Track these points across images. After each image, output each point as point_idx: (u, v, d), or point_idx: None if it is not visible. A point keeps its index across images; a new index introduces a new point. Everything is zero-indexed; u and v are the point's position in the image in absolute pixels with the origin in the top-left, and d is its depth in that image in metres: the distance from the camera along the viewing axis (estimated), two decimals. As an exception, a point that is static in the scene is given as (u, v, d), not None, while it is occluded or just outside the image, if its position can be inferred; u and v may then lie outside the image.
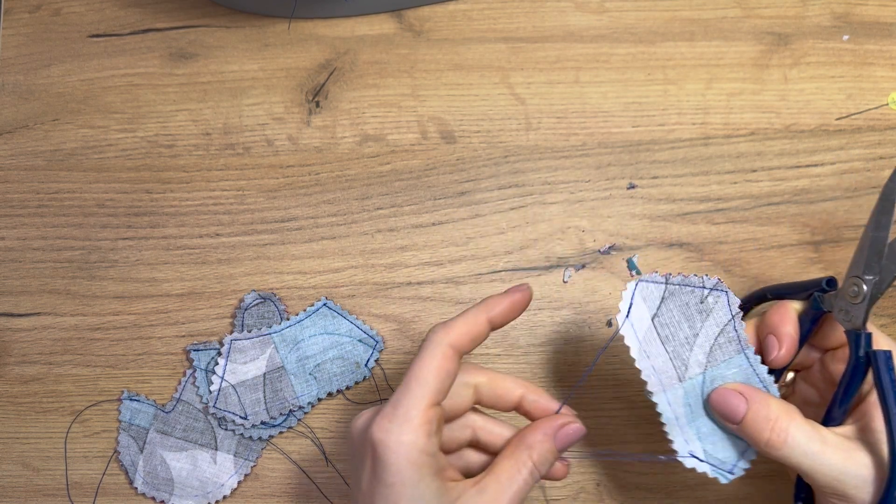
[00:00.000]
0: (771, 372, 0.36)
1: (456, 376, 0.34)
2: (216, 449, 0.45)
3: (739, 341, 0.36)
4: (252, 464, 0.45)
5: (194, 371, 0.45)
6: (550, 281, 0.47)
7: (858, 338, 0.34)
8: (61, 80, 0.51)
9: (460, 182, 0.48)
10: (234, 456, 0.45)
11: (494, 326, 0.35)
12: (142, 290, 0.47)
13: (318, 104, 0.50)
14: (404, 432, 0.31)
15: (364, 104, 0.50)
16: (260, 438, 0.45)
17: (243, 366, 0.45)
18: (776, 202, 0.48)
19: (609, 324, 0.46)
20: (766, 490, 0.44)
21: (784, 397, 0.38)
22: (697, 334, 0.36)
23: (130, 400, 0.46)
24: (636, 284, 0.37)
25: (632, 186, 0.48)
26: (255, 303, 0.46)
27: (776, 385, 0.36)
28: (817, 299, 0.36)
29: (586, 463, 0.45)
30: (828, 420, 0.35)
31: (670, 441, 0.36)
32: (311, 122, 0.50)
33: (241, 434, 0.45)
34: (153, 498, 0.45)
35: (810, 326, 0.37)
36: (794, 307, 0.37)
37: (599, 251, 0.47)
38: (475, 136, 0.49)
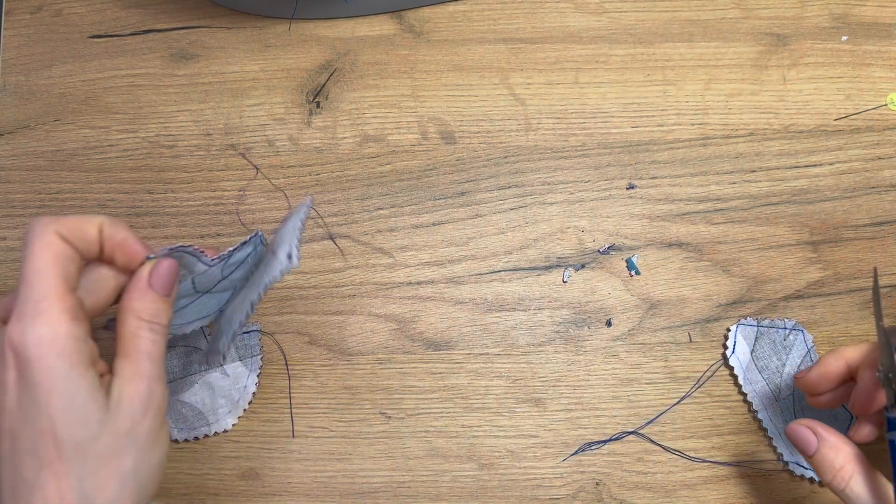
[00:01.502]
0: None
1: (79, 263, 0.32)
2: (221, 364, 0.46)
3: None
4: (259, 356, 0.46)
5: None
6: (550, 281, 0.47)
7: (889, 421, 0.36)
8: (62, 80, 0.51)
9: (460, 182, 0.49)
10: (241, 360, 0.46)
11: (104, 239, 0.32)
12: (143, 290, 0.47)
13: (318, 105, 0.50)
14: (41, 324, 0.29)
15: (364, 105, 0.50)
16: (253, 332, 0.46)
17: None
18: (775, 202, 0.48)
19: (609, 323, 0.46)
20: (766, 489, 0.44)
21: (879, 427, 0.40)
22: (784, 364, 0.45)
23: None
24: (737, 327, 0.46)
25: (631, 187, 0.48)
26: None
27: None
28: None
29: (586, 463, 0.45)
30: None
31: (775, 449, 0.44)
32: (312, 123, 0.50)
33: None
34: (195, 438, 0.45)
35: None
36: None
37: (599, 251, 0.48)
38: (475, 137, 0.49)
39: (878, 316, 0.37)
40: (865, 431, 0.39)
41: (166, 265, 0.33)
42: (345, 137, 0.49)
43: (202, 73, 0.51)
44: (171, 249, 0.35)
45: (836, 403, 0.40)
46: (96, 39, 0.52)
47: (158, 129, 0.50)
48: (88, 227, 0.32)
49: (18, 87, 0.51)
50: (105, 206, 0.49)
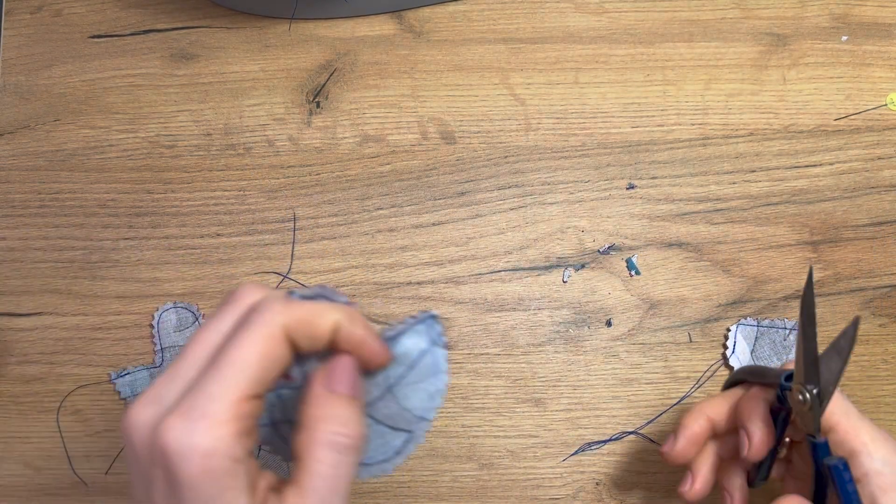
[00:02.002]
0: (756, 465, 0.37)
1: (284, 368, 0.26)
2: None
3: None
4: None
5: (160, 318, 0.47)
6: (550, 281, 0.47)
7: (814, 447, 0.33)
8: (62, 80, 0.51)
9: (460, 182, 0.49)
10: None
11: (335, 342, 0.28)
12: (143, 290, 0.48)
13: (318, 105, 0.50)
14: (200, 432, 0.24)
15: (364, 105, 0.50)
16: None
17: None
18: (775, 202, 0.48)
19: (609, 323, 0.46)
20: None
21: (786, 461, 0.38)
22: (784, 364, 0.42)
23: (121, 376, 0.46)
24: (737, 327, 0.45)
25: (631, 187, 0.48)
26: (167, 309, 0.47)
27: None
28: (780, 395, 0.34)
29: (586, 463, 0.45)
30: None
31: None
32: (312, 123, 0.50)
33: None
34: None
35: (786, 412, 0.35)
36: (764, 398, 0.35)
37: (599, 251, 0.48)
38: (475, 137, 0.49)
39: (809, 325, 0.32)
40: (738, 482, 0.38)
41: (344, 361, 0.28)
42: (345, 137, 0.49)
43: (202, 73, 0.51)
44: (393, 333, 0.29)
45: (710, 486, 0.38)
46: (96, 39, 0.52)
47: (158, 129, 0.50)
48: (322, 326, 0.27)
49: (18, 87, 0.51)
50: (105, 205, 0.49)
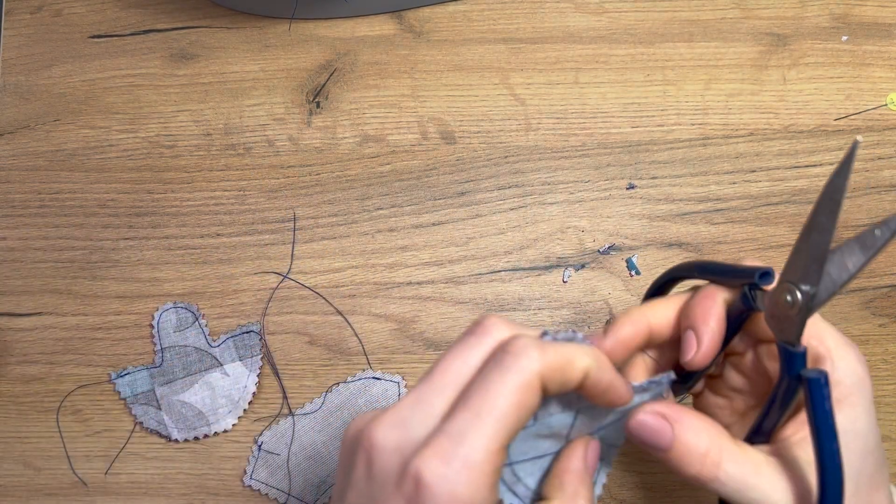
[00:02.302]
0: (685, 374, 0.32)
1: (534, 413, 0.26)
2: (221, 364, 0.46)
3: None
4: (260, 356, 0.46)
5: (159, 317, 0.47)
6: (550, 281, 0.47)
7: (790, 356, 0.28)
8: (62, 80, 0.51)
9: (460, 182, 0.49)
10: (241, 360, 0.46)
11: (585, 387, 0.26)
12: (143, 290, 0.48)
13: (318, 105, 0.50)
14: (463, 483, 0.23)
15: (364, 105, 0.50)
16: (252, 332, 0.46)
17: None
18: (775, 202, 0.48)
19: (609, 323, 0.46)
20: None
21: (710, 377, 0.34)
22: None
23: (121, 377, 0.46)
24: None
25: (631, 187, 0.48)
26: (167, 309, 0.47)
27: (687, 388, 0.33)
28: (748, 294, 0.30)
29: (586, 462, 0.45)
30: (754, 435, 0.31)
31: None
32: (312, 123, 0.50)
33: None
34: (196, 437, 0.45)
35: (739, 322, 0.31)
36: (722, 297, 0.31)
37: (599, 251, 0.47)
38: (475, 137, 0.49)
39: (829, 216, 0.27)
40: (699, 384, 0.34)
41: (596, 448, 0.28)
42: (345, 137, 0.49)
43: (202, 73, 0.51)
44: (650, 383, 0.29)
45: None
46: (96, 39, 0.52)
47: (158, 129, 0.50)
48: (574, 373, 0.26)
49: (18, 86, 0.51)
50: (105, 205, 0.49)
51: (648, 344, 0.32)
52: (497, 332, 0.27)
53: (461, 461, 0.23)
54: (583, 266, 0.47)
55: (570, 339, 0.27)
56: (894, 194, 0.48)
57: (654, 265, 0.47)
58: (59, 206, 0.49)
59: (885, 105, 0.49)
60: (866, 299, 0.47)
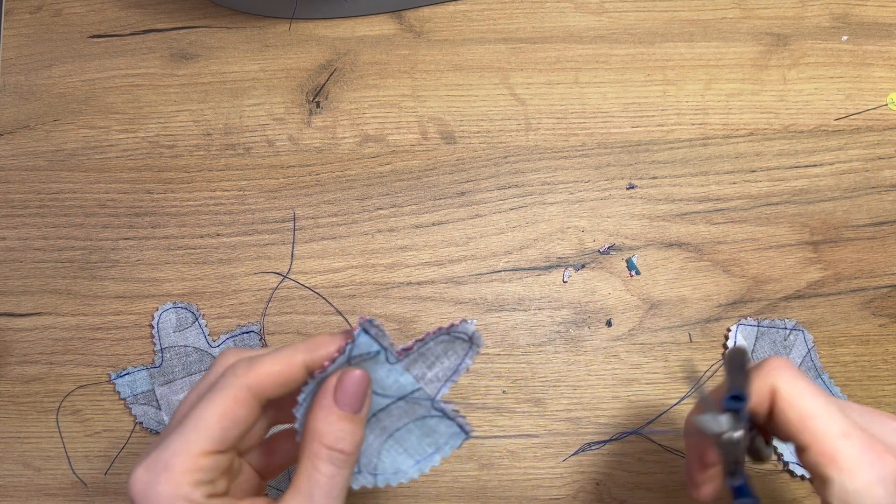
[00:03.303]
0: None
1: (253, 423, 0.29)
2: None
3: (816, 369, 0.45)
4: None
5: (159, 318, 0.47)
6: (550, 281, 0.47)
7: (736, 489, 0.29)
8: (62, 80, 0.51)
9: (460, 182, 0.49)
10: None
11: (313, 371, 0.29)
12: (143, 290, 0.48)
13: (318, 105, 0.50)
14: (162, 482, 0.27)
15: (364, 105, 0.50)
16: (252, 333, 0.46)
17: None
18: (775, 202, 0.48)
19: (609, 323, 0.46)
20: (765, 489, 0.44)
21: None
22: None
23: (121, 377, 0.46)
24: (737, 327, 0.45)
25: (631, 187, 0.48)
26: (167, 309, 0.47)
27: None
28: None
29: (586, 463, 0.45)
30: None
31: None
32: (312, 123, 0.50)
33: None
34: None
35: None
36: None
37: (599, 251, 0.47)
38: (475, 137, 0.49)
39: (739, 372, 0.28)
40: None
41: (355, 377, 0.29)
42: (345, 137, 0.49)
43: (202, 73, 0.51)
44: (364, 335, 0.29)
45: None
46: (96, 39, 0.52)
47: (158, 129, 0.50)
48: (291, 374, 0.29)
49: (18, 86, 0.51)
50: (105, 205, 0.49)
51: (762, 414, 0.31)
52: (225, 361, 0.30)
53: (162, 465, 0.27)
54: (583, 266, 0.47)
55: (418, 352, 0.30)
56: (894, 194, 0.48)
57: (655, 265, 0.47)
58: (59, 206, 0.49)
59: (886, 105, 0.49)
60: (866, 299, 0.47)
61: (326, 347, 0.29)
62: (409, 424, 0.31)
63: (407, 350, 0.30)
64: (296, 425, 0.30)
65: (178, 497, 0.27)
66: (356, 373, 0.29)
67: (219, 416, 0.28)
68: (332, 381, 0.29)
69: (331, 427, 0.28)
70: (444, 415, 0.31)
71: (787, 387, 0.29)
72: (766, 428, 0.31)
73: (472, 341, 0.30)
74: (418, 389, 0.31)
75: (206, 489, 0.28)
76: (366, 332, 0.29)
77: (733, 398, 0.28)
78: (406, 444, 0.31)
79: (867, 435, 0.28)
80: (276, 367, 0.29)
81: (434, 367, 0.31)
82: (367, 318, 0.29)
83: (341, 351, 0.29)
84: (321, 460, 0.28)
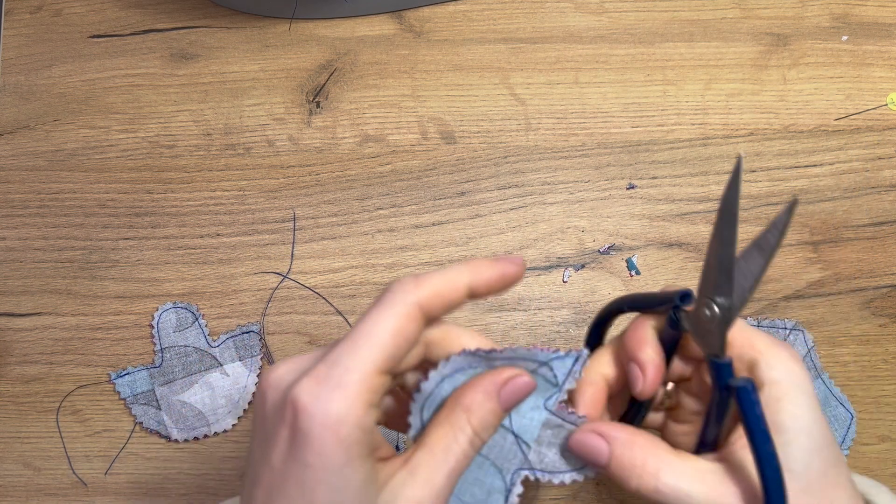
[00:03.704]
0: (635, 410, 0.34)
1: (416, 342, 0.28)
2: (221, 364, 0.46)
3: (816, 369, 0.45)
4: (259, 356, 0.46)
5: (159, 318, 0.47)
6: (550, 281, 0.47)
7: (718, 368, 0.29)
8: (62, 80, 0.51)
9: (460, 182, 0.49)
10: (240, 360, 0.46)
11: (474, 296, 0.29)
12: (143, 290, 0.48)
13: (318, 105, 0.50)
14: (335, 400, 0.25)
15: (364, 105, 0.50)
16: (252, 333, 0.46)
17: None
18: (775, 202, 0.48)
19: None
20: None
21: (670, 409, 0.35)
22: None
23: (121, 377, 0.46)
24: None
25: (631, 187, 0.48)
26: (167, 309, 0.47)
27: (657, 400, 0.34)
28: (674, 317, 0.31)
29: (586, 462, 0.45)
30: (702, 444, 0.31)
31: None
32: (312, 123, 0.50)
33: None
34: (195, 438, 0.45)
35: (674, 343, 0.32)
36: (650, 326, 0.32)
37: (599, 251, 0.47)
38: (475, 137, 0.49)
39: (729, 228, 0.29)
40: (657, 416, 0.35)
41: (526, 382, 0.29)
42: (345, 137, 0.49)
43: (202, 73, 0.51)
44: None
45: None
46: (96, 39, 0.52)
47: (158, 129, 0.50)
48: (455, 295, 0.28)
49: (18, 86, 0.51)
50: (105, 205, 0.49)
51: (612, 389, 0.33)
52: (396, 285, 0.28)
53: (335, 381, 0.25)
54: (583, 266, 0.47)
55: (562, 425, 0.30)
56: (894, 194, 0.48)
57: (655, 265, 0.47)
58: (59, 206, 0.49)
59: (886, 105, 0.49)
60: (866, 299, 0.47)
61: (486, 271, 0.29)
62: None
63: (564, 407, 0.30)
64: (411, 417, 0.30)
65: (349, 422, 0.25)
66: (528, 379, 0.29)
67: (393, 332, 0.26)
68: (505, 373, 0.29)
69: (484, 412, 0.28)
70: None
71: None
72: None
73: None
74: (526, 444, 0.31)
75: (375, 414, 0.26)
76: (565, 359, 0.29)
77: (683, 297, 0.30)
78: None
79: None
80: (442, 285, 0.28)
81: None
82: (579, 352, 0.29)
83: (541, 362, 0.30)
84: (463, 433, 0.27)
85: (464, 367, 0.30)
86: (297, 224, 0.48)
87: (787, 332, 0.46)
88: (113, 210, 0.49)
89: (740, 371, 0.30)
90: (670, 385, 0.35)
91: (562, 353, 0.30)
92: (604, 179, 0.48)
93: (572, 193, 0.48)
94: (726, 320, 0.29)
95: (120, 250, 0.48)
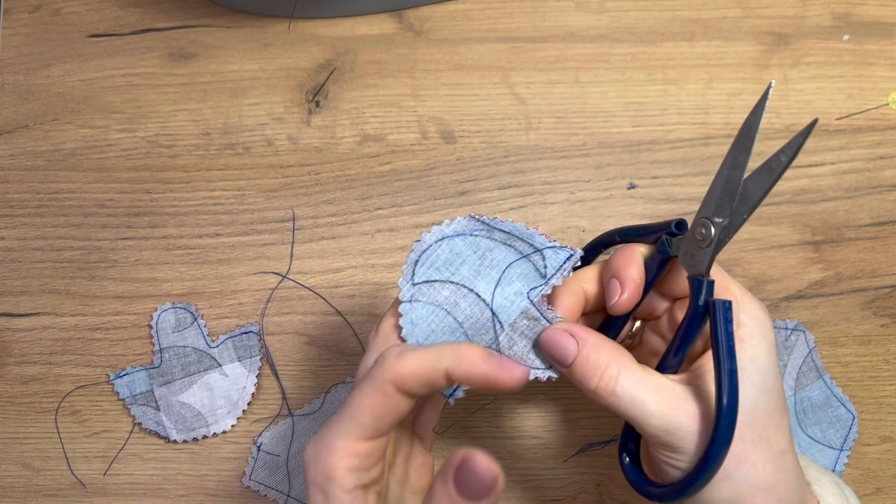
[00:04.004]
0: (615, 320, 0.35)
1: (405, 412, 0.30)
2: (220, 365, 0.46)
3: (817, 370, 0.45)
4: (259, 357, 0.46)
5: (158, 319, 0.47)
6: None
7: (700, 285, 0.31)
8: (61, 79, 0.51)
9: (460, 182, 0.48)
10: (240, 361, 0.46)
11: (454, 383, 0.30)
12: (142, 290, 0.47)
13: (317, 104, 0.50)
14: (321, 461, 0.29)
15: (364, 104, 0.50)
16: (251, 333, 0.46)
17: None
18: (776, 202, 0.48)
19: (609, 324, 0.46)
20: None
21: (631, 348, 0.37)
22: (786, 365, 0.44)
23: (119, 377, 0.46)
24: None
25: (632, 186, 0.48)
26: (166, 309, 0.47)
27: (622, 335, 0.36)
28: (665, 242, 0.33)
29: (587, 463, 0.45)
30: (663, 367, 0.33)
31: None
32: (311, 122, 0.50)
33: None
34: (194, 439, 0.45)
35: (657, 271, 0.34)
36: (639, 250, 0.34)
37: (600, 251, 0.47)
38: (475, 136, 0.49)
39: (743, 152, 0.30)
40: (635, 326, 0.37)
41: (483, 472, 0.29)
42: (344, 137, 0.49)
43: (201, 72, 0.50)
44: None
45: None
46: (95, 39, 0.51)
47: (157, 128, 0.50)
48: (433, 377, 0.29)
49: (17, 86, 0.51)
50: (104, 205, 0.48)
51: (588, 306, 0.35)
52: (380, 358, 0.30)
53: (324, 444, 0.29)
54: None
55: (538, 319, 0.31)
56: (896, 194, 0.48)
57: (655, 265, 0.47)
58: (58, 206, 0.49)
59: (887, 104, 0.49)
60: (868, 299, 0.47)
61: (470, 365, 0.29)
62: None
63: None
64: (404, 267, 0.32)
65: (331, 479, 0.29)
66: (477, 459, 0.29)
67: (369, 408, 0.29)
68: (449, 470, 0.29)
69: None
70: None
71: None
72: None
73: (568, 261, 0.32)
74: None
75: (358, 476, 0.29)
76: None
77: (679, 224, 0.33)
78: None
79: None
80: (420, 366, 0.29)
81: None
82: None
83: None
84: None
85: (465, 232, 0.31)
86: (296, 224, 0.48)
87: (789, 332, 0.45)
88: (112, 210, 0.48)
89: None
90: (638, 323, 0.37)
91: (557, 244, 0.32)
92: (605, 179, 0.48)
93: (573, 193, 0.48)
94: (722, 239, 0.31)
95: (119, 250, 0.48)
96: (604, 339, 0.32)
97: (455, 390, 0.32)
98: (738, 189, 0.31)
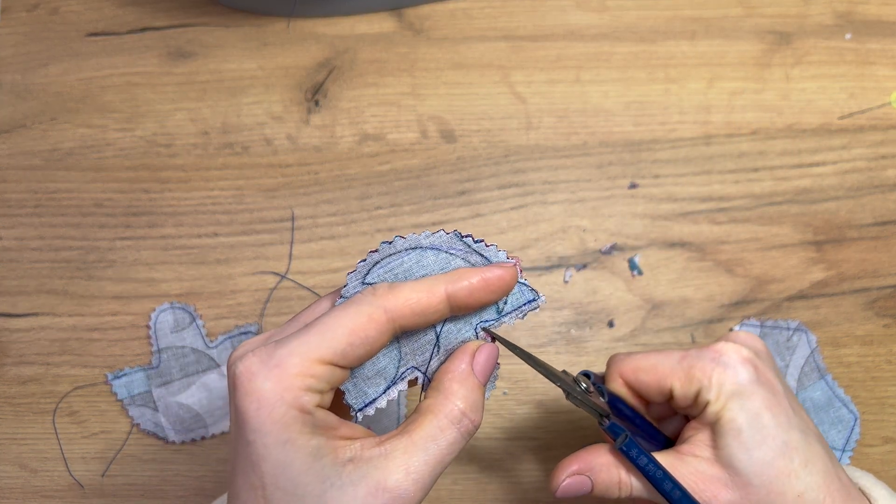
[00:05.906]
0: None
1: (378, 348, 0.28)
2: (219, 366, 0.45)
3: (819, 370, 0.45)
4: None
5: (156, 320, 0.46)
6: (551, 281, 0.47)
7: (609, 431, 0.33)
8: (59, 79, 0.50)
9: (460, 181, 0.48)
10: None
11: (457, 304, 0.29)
12: (140, 291, 0.47)
13: (317, 103, 0.50)
14: (271, 379, 0.25)
15: (363, 103, 0.49)
16: (250, 333, 0.46)
17: None
18: (778, 202, 0.48)
19: (611, 324, 0.46)
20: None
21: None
22: (788, 365, 0.45)
23: (118, 378, 0.46)
24: (740, 327, 0.45)
25: (633, 186, 0.48)
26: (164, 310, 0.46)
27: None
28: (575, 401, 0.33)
29: (587, 464, 0.45)
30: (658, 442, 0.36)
31: None
32: (311, 121, 0.49)
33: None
34: (193, 440, 0.45)
35: (633, 414, 0.36)
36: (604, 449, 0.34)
37: (601, 251, 0.47)
38: (475, 136, 0.49)
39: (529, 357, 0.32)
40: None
41: (490, 352, 0.30)
42: (344, 136, 0.49)
43: (200, 71, 0.50)
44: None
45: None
46: (93, 37, 0.51)
47: (155, 127, 0.49)
48: (431, 301, 0.28)
49: (15, 85, 0.50)
50: (102, 205, 0.48)
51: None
52: (370, 288, 0.29)
53: (275, 362, 0.26)
54: (584, 266, 0.47)
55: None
56: (899, 193, 0.48)
57: (657, 265, 0.47)
58: (56, 206, 0.49)
59: (889, 104, 0.49)
60: (870, 300, 0.46)
61: (468, 278, 0.28)
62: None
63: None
64: (357, 267, 0.31)
65: (282, 400, 0.25)
66: (492, 348, 0.29)
67: (349, 329, 0.27)
68: (472, 346, 0.29)
69: (469, 393, 0.28)
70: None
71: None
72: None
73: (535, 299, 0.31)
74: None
75: (315, 398, 0.26)
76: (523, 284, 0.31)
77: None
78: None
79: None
80: (417, 295, 0.27)
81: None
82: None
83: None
84: (449, 422, 0.27)
85: (440, 247, 0.30)
86: (295, 223, 0.48)
87: (791, 332, 0.45)
88: (110, 209, 0.48)
89: (687, 398, 0.33)
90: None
91: (527, 283, 0.31)
92: (606, 178, 0.48)
93: (574, 192, 0.48)
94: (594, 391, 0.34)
95: (117, 250, 0.48)
96: (600, 453, 0.33)
97: (366, 406, 0.30)
98: (551, 370, 0.33)
